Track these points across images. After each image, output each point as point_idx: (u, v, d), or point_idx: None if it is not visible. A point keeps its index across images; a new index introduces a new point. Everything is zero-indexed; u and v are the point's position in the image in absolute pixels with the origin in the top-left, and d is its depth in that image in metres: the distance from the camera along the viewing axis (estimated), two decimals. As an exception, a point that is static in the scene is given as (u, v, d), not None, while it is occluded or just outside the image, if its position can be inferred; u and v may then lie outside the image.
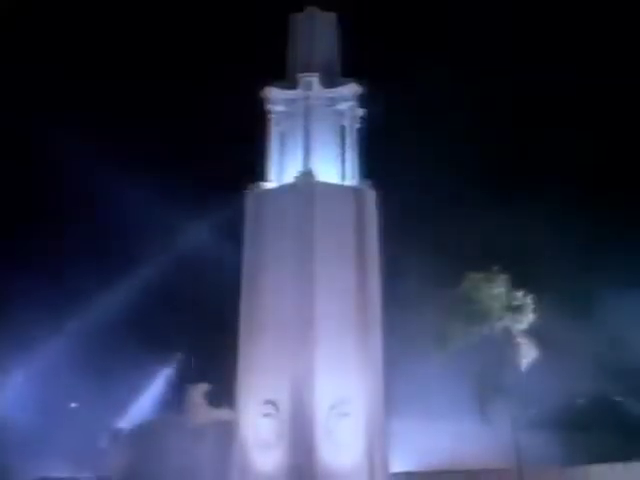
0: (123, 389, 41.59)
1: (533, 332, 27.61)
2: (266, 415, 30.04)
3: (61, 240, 41.38)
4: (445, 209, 36.17)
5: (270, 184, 33.81)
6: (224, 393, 35.49)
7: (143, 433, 37.41)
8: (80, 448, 40.86)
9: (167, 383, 41.59)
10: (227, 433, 31.76)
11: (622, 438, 37.35)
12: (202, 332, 36.28)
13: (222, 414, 34.46)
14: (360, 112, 35.17)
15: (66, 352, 40.65)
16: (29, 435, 38.25)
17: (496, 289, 27.62)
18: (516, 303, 27.70)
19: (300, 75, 34.28)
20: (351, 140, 34.50)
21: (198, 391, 35.95)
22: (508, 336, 27.53)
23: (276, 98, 35.06)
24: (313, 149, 33.44)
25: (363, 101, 35.20)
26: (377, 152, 33.68)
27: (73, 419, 42.25)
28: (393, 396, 32.42)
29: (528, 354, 27.26)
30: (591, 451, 31.67)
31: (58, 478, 32.87)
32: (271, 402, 30.05)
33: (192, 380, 36.29)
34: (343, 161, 34.09)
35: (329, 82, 35.06)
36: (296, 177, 32.85)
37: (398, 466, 31.62)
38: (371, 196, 33.10)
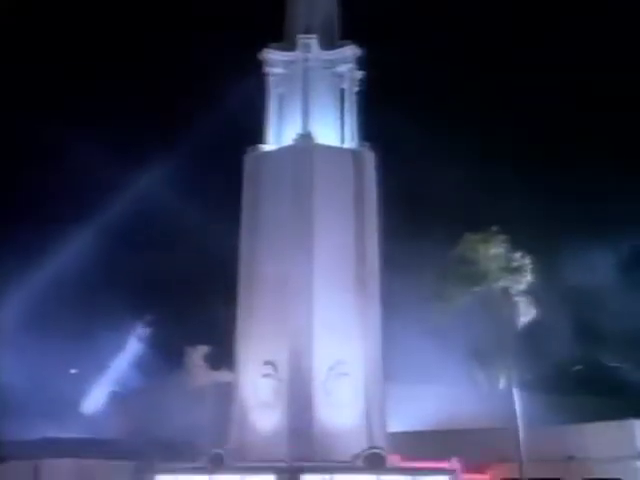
0: (104, 349, 41.67)
1: (531, 292, 27.62)
2: (265, 376, 30.22)
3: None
4: (444, 170, 36.05)
5: (269, 146, 33.67)
6: (223, 355, 35.75)
7: (144, 395, 37.81)
8: (64, 409, 41.12)
9: (145, 344, 41.50)
10: (226, 394, 32.06)
11: (618, 400, 37.73)
12: (201, 295, 36.40)
13: (221, 376, 34.79)
14: (359, 75, 34.88)
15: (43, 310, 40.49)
16: (11, 396, 38.23)
17: (493, 250, 27.56)
18: (514, 264, 27.68)
19: (299, 37, 33.96)
20: (350, 103, 34.27)
21: (198, 353, 36.25)
22: (506, 296, 27.56)
23: (274, 60, 34.76)
24: (312, 112, 33.24)
25: (362, 64, 34.94)
26: (376, 115, 33.46)
27: (53, 380, 42.18)
28: (390, 360, 32.63)
29: (526, 313, 27.29)
30: (586, 413, 31.95)
31: (61, 438, 33.23)
32: (270, 363, 30.22)
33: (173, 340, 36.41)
34: (342, 124, 33.90)
35: (328, 44, 34.74)
36: (295, 139, 32.70)
37: (396, 427, 31.86)
38: (370, 158, 32.98)
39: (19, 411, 37.84)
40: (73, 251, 39.02)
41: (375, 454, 27.04)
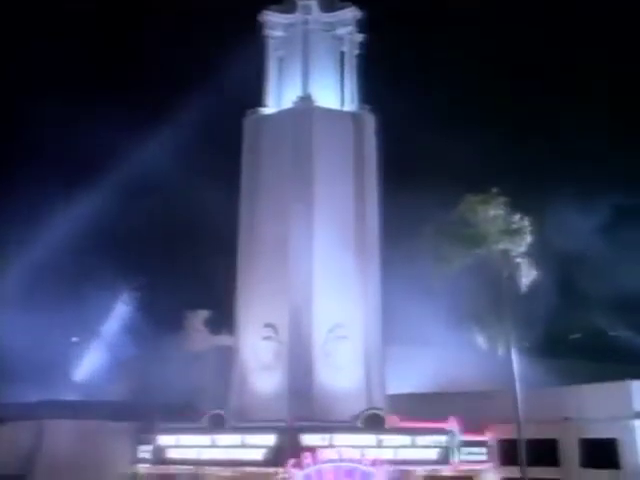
0: (102, 315, 41.71)
1: (531, 254, 27.62)
2: (265, 338, 30.42)
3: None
4: (444, 132, 35.93)
5: (269, 109, 33.55)
6: (223, 320, 35.92)
7: (144, 360, 37.95)
8: (64, 375, 41.30)
9: (143, 309, 41.44)
10: (227, 357, 32.25)
11: (616, 365, 37.90)
12: (201, 259, 36.45)
13: (222, 340, 34.97)
14: (359, 37, 34.64)
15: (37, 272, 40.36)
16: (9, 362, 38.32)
17: (493, 212, 27.50)
18: (514, 226, 27.64)
19: (299, -1, 33.68)
20: (350, 66, 34.11)
21: (198, 318, 36.39)
22: (506, 258, 27.58)
23: (274, 23, 34.51)
24: (312, 74, 33.09)
25: (363, 26, 34.61)
26: (376, 78, 33.23)
27: (52, 347, 42.27)
28: (390, 322, 32.77)
29: (527, 275, 27.33)
30: (583, 377, 32.15)
31: (62, 400, 33.48)
32: (270, 325, 30.41)
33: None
34: (342, 87, 33.79)
35: (328, 6, 34.47)
36: (295, 102, 32.57)
37: (395, 389, 32.10)
38: (370, 121, 32.87)
39: (18, 376, 38.01)
40: (69, 213, 38.95)
41: (374, 415, 27.28)
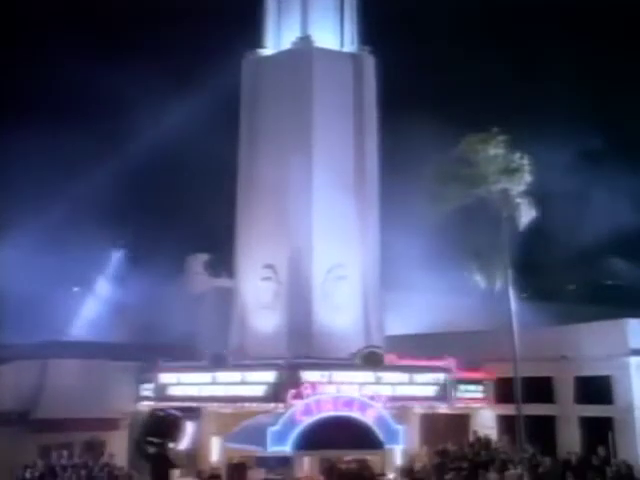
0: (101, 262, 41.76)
1: (530, 193, 27.63)
2: (265, 279, 30.68)
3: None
4: (444, 73, 35.56)
5: (267, 51, 33.22)
6: (223, 263, 36.14)
7: (144, 304, 38.25)
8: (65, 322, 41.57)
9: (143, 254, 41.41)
10: (226, 299, 32.58)
11: (615, 309, 38.21)
12: (200, 203, 36.48)
13: (221, 283, 35.26)
14: (360, -25, 34.05)
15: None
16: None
17: (493, 151, 27.41)
18: (513, 165, 27.58)
19: None
20: (350, 5, 33.60)
21: (197, 261, 36.62)
22: (505, 198, 27.59)
23: (272, -39, 33.87)
24: (311, 14, 32.64)
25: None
26: (377, 18, 32.78)
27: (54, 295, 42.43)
28: (388, 266, 32.97)
29: (526, 214, 27.37)
30: (581, 319, 32.48)
31: (66, 341, 33.88)
32: (270, 266, 30.63)
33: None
34: (342, 27, 33.34)
35: (328, -57, 33.78)
36: (294, 43, 32.22)
37: (393, 332, 32.48)
38: (370, 63, 32.57)
39: (20, 320, 38.33)
40: (61, 160, 38.73)
41: (373, 352, 27.65)
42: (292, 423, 23.02)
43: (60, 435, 28.42)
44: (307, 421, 22.82)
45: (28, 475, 22.06)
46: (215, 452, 28.41)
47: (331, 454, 23.88)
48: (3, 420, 28.81)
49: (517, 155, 27.49)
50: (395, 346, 29.63)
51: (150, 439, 15.02)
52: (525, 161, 27.33)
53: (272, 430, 22.73)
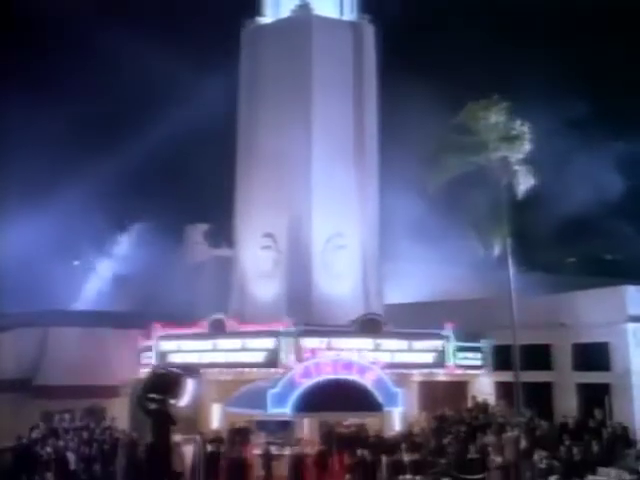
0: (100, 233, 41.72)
1: (529, 161, 27.64)
2: (264, 248, 30.76)
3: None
4: (444, 41, 35.32)
5: (266, 19, 33.02)
6: (223, 233, 36.23)
7: (144, 274, 38.41)
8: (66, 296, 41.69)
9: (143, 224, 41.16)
10: (226, 269, 32.71)
11: (614, 279, 38.29)
12: (200, 173, 36.46)
13: (221, 253, 35.37)
14: (360, -61, 33.70)
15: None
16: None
17: (494, 118, 27.39)
18: (513, 133, 27.58)
19: None
20: (349, -28, 33.33)
21: (197, 231, 36.69)
22: (505, 165, 27.62)
23: None
24: (310, -18, 32.37)
25: None
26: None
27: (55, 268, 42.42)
28: (387, 236, 33.04)
29: (525, 182, 27.41)
30: (579, 288, 32.58)
31: (67, 310, 34.04)
32: (269, 235, 30.71)
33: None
34: (341, -5, 33.12)
35: None
36: (292, 11, 32.02)
37: (392, 300, 32.63)
38: (370, 31, 32.38)
39: (20, 293, 38.44)
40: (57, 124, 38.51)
41: (372, 319, 27.82)
42: (291, 385, 23.23)
43: (61, 402, 28.68)
44: (306, 384, 23.03)
45: (35, 435, 22.32)
46: (216, 418, 28.64)
47: (330, 416, 24.08)
48: (5, 387, 29.11)
49: (517, 122, 27.49)
50: (394, 315, 29.79)
51: (151, 396, 15.04)
52: (525, 129, 27.33)
53: (272, 392, 22.95)
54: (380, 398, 23.78)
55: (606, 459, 20.47)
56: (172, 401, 15.32)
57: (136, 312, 33.83)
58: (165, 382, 15.32)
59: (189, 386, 15.48)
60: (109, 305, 40.01)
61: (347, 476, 21.98)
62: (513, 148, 27.31)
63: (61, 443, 21.41)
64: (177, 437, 20.52)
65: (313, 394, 22.81)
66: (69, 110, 38.05)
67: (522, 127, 27.28)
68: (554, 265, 47.37)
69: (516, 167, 27.13)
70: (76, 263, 50.39)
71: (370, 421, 25.41)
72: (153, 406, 15.13)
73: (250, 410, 23.69)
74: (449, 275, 36.72)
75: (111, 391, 30.15)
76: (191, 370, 18.49)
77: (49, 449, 20.72)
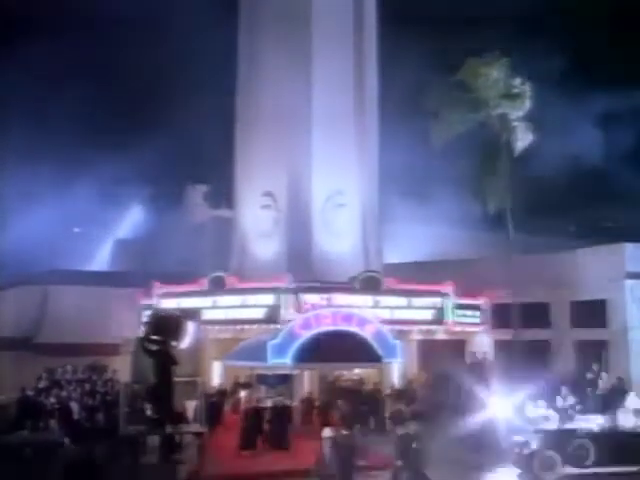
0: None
1: (529, 119, 27.53)
2: (264, 207, 30.74)
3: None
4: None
5: (265, -27, 32.61)
6: (222, 194, 36.19)
7: (145, 235, 38.60)
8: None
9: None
10: (226, 229, 32.77)
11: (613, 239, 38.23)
12: (199, 133, 36.30)
13: (221, 213, 35.39)
14: None
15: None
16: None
17: (495, 75, 27.22)
18: (514, 90, 27.44)
19: None
20: None
21: (197, 192, 36.69)
22: (504, 122, 27.53)
23: None
24: None
25: None
26: None
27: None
28: (386, 196, 33.01)
29: (524, 138, 27.34)
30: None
31: (69, 270, 34.06)
32: (269, 194, 30.67)
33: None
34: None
35: None
36: (292, -35, 31.61)
37: (391, 260, 32.76)
38: (370, -15, 32.07)
39: (20, 255, 38.44)
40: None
41: (371, 277, 27.91)
42: (291, 336, 23.36)
43: (63, 359, 28.68)
44: (306, 335, 23.18)
45: (41, 385, 22.62)
46: (217, 376, 28.86)
47: (330, 367, 24.28)
48: (7, 344, 29.29)
49: (518, 80, 27.35)
50: (393, 274, 29.85)
51: (153, 337, 15.30)
52: (527, 86, 27.20)
53: (272, 343, 23.10)
54: (379, 350, 23.93)
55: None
56: (173, 343, 15.57)
57: (137, 272, 33.93)
58: (166, 324, 15.57)
59: (189, 328, 15.73)
60: (110, 266, 40.20)
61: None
62: (514, 106, 27.20)
63: (64, 393, 21.58)
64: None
65: (313, 345, 22.94)
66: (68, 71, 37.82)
67: (523, 85, 27.15)
68: (554, 232, 47.32)
69: (515, 123, 27.03)
70: (76, 230, 50.37)
71: (369, 376, 25.60)
72: (155, 347, 15.39)
73: (250, 362, 23.86)
74: (448, 236, 36.84)
75: (112, 349, 30.35)
76: (191, 314, 18.73)
77: (52, 399, 20.88)
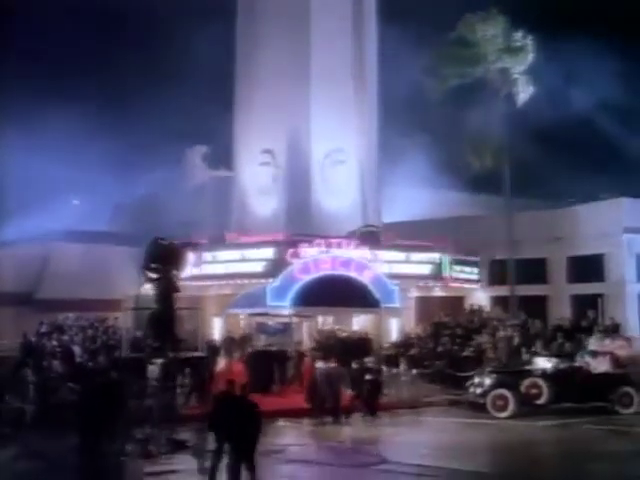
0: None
1: (530, 72, 27.58)
2: (263, 164, 30.91)
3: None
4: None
5: None
6: (221, 155, 36.24)
7: (145, 198, 38.51)
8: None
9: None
10: (225, 190, 32.88)
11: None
12: (198, 94, 36.27)
13: (220, 174, 35.46)
14: None
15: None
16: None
17: (493, 30, 27.30)
18: (516, 44, 27.48)
19: None
20: None
21: (196, 153, 36.72)
22: (505, 76, 27.60)
23: None
24: None
25: None
26: None
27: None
28: (385, 160, 33.07)
29: (525, 90, 27.41)
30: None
31: (70, 230, 34.12)
32: (268, 151, 30.83)
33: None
34: None
35: None
36: None
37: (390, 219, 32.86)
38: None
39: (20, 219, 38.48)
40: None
41: (370, 231, 28.09)
42: (291, 280, 23.57)
43: (64, 315, 29.06)
44: (305, 279, 23.38)
45: (43, 329, 22.88)
46: (217, 332, 29.08)
47: (329, 311, 24.48)
48: (8, 300, 29.47)
49: (520, 34, 27.42)
50: (392, 231, 30.04)
51: (154, 265, 15.51)
52: (529, 40, 27.27)
53: (271, 286, 23.33)
54: (378, 295, 24.14)
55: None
56: (174, 272, 15.79)
57: (136, 233, 34.02)
58: (167, 253, 15.78)
59: (189, 257, 15.94)
60: (109, 228, 40.10)
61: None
62: (516, 60, 27.29)
63: (65, 337, 21.84)
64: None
65: (312, 289, 23.14)
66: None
67: (525, 39, 27.22)
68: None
69: (516, 76, 27.13)
70: (76, 202, 50.29)
71: (368, 331, 25.68)
72: (156, 275, 15.60)
73: (250, 309, 24.07)
74: (446, 199, 36.88)
75: (114, 305, 30.39)
76: (192, 244, 18.88)
77: (54, 342, 21.14)
